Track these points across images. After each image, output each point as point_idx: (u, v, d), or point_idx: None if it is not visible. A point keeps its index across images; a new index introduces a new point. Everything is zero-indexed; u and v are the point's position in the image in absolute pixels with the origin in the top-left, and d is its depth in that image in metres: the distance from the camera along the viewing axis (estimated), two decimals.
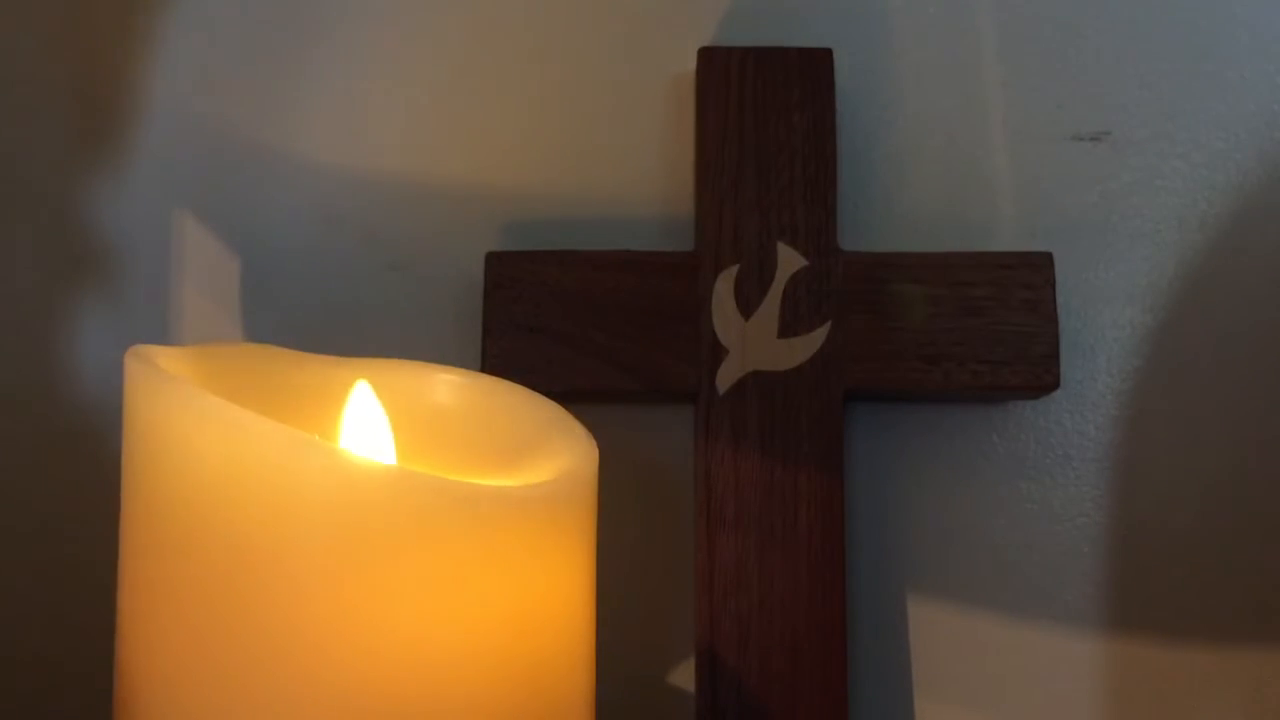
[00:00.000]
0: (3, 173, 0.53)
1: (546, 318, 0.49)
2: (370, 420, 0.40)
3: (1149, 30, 0.53)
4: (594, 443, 0.40)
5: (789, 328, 0.49)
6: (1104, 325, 0.52)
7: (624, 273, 0.49)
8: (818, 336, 0.49)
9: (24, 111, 0.53)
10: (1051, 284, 0.49)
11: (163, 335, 0.52)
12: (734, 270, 0.49)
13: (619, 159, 0.53)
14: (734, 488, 0.48)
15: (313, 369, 0.42)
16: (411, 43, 0.53)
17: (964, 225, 0.52)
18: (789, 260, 0.49)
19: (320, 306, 0.52)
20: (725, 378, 0.49)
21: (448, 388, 0.42)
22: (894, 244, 0.51)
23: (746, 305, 0.49)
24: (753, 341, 0.49)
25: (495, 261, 0.49)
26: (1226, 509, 0.51)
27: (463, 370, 0.43)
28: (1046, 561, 0.51)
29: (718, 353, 0.49)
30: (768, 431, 0.48)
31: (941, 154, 0.53)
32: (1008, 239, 0.52)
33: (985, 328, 0.49)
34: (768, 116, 0.50)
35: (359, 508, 0.34)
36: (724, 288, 0.49)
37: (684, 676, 0.50)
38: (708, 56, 0.50)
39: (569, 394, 0.45)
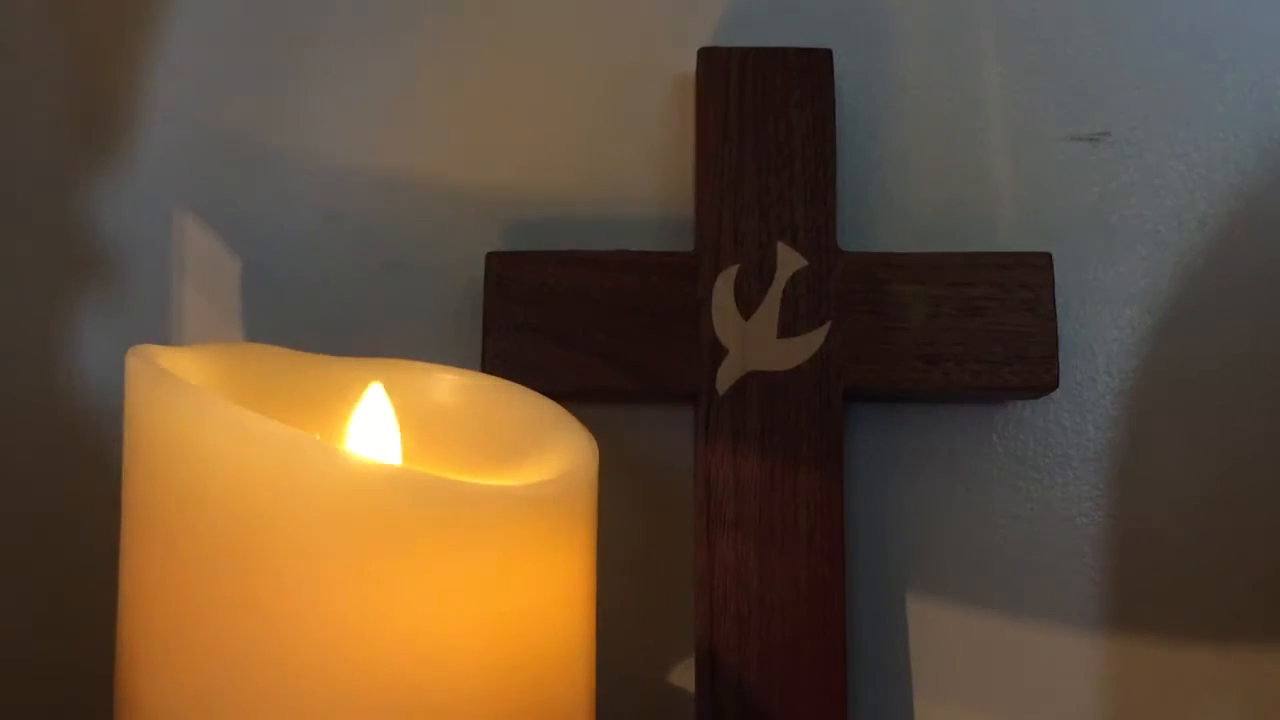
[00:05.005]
0: (4, 173, 0.53)
1: (546, 318, 0.49)
2: (380, 423, 0.40)
3: (1149, 30, 0.53)
4: (594, 443, 0.40)
5: (789, 328, 0.49)
6: (1103, 325, 0.52)
7: (624, 273, 0.49)
8: (817, 337, 0.49)
9: (25, 112, 0.53)
10: (1050, 284, 0.49)
11: (163, 335, 0.52)
12: (734, 270, 0.49)
13: (619, 159, 0.53)
14: (734, 488, 0.48)
15: (313, 369, 0.42)
16: (411, 43, 0.53)
17: (964, 225, 0.52)
18: (789, 260, 0.49)
19: (320, 306, 0.52)
20: (725, 378, 0.49)
21: (448, 388, 0.42)
22: (894, 244, 0.51)
23: (746, 305, 0.49)
24: (753, 341, 0.49)
25: (495, 261, 0.49)
26: (1225, 508, 0.51)
27: (463, 370, 0.43)
28: (1046, 561, 0.51)
29: (718, 353, 0.49)
30: (767, 431, 0.48)
31: (941, 154, 0.53)
32: (1008, 239, 0.52)
33: (984, 328, 0.49)
34: (767, 116, 0.50)
35: (359, 507, 0.34)
36: (724, 288, 0.49)
37: (684, 676, 0.50)
38: (708, 56, 0.50)
39: (569, 394, 0.45)
